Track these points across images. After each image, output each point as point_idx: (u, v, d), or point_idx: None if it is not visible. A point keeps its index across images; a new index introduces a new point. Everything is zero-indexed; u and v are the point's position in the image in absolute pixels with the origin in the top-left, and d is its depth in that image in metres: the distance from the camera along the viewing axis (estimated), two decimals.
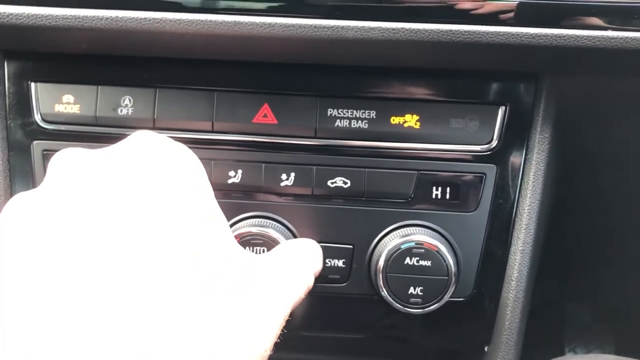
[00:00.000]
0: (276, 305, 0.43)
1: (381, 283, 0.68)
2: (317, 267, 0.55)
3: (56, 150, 0.68)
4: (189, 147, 0.69)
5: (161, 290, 0.35)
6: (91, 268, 0.34)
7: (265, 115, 0.69)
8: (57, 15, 0.60)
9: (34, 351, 0.31)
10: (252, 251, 0.66)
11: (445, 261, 0.67)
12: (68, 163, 0.43)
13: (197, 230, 0.40)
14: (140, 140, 0.46)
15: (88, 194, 0.39)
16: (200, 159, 0.70)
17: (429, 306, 0.68)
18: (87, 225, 0.37)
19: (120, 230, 0.37)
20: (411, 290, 0.67)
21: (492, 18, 0.60)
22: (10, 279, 0.34)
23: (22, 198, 0.40)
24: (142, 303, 0.34)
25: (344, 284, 0.72)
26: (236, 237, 0.66)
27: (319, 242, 0.70)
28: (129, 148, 0.45)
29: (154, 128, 0.69)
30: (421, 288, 0.67)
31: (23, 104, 0.70)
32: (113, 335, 0.32)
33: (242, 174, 0.70)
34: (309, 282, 0.51)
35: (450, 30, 0.60)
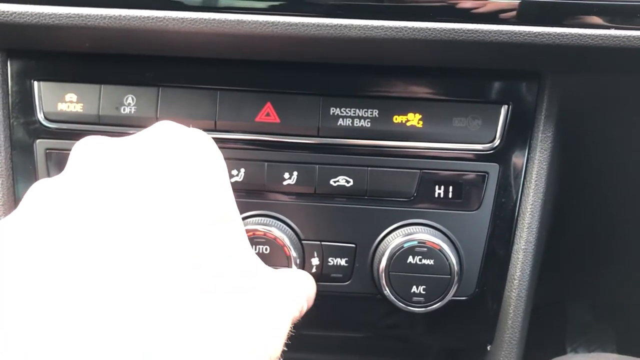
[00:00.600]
0: (280, 308, 0.43)
1: (384, 282, 0.68)
2: (310, 297, 0.54)
3: (59, 149, 0.70)
4: None
5: (161, 292, 0.35)
6: (94, 269, 0.34)
7: (267, 114, 0.69)
8: (60, 14, 0.61)
9: (34, 351, 0.31)
10: (255, 250, 0.66)
11: (447, 260, 0.67)
12: (90, 154, 0.43)
13: (202, 232, 0.40)
14: (164, 133, 0.45)
15: (103, 192, 0.39)
16: None
17: (431, 305, 0.68)
18: (96, 225, 0.36)
19: (127, 232, 0.36)
20: (414, 289, 0.67)
21: (495, 17, 0.60)
22: (14, 275, 0.34)
23: (41, 189, 0.40)
24: (141, 305, 0.34)
25: (347, 283, 0.72)
26: None
27: (321, 240, 0.70)
28: (152, 141, 0.44)
29: None
30: (424, 287, 0.67)
31: (26, 102, 0.70)
32: (109, 338, 0.32)
33: (244, 172, 0.70)
34: (303, 305, 0.50)
35: (453, 29, 0.60)
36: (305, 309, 0.51)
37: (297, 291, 0.49)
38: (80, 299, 0.33)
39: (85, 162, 0.42)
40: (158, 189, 0.40)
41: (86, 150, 0.43)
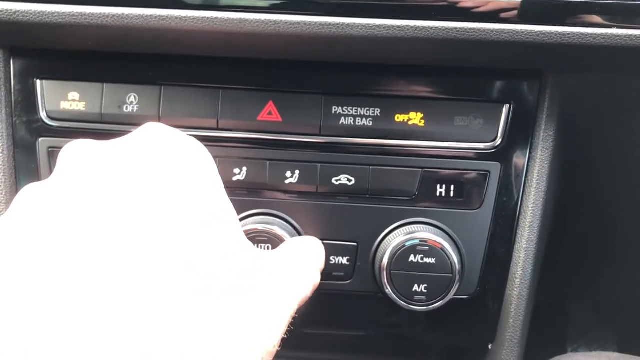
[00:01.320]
0: (277, 308, 0.43)
1: (385, 280, 0.68)
2: (322, 264, 0.55)
3: (61, 148, 0.69)
4: None
5: (152, 293, 0.35)
6: (84, 272, 0.34)
7: (270, 112, 0.69)
8: (63, 13, 0.61)
9: (32, 351, 0.31)
10: (257, 248, 0.66)
11: (449, 259, 0.67)
12: (78, 157, 0.43)
13: (194, 233, 0.39)
14: (151, 134, 0.45)
15: (94, 193, 0.39)
16: None
17: (433, 304, 0.68)
18: (89, 226, 0.36)
19: (117, 234, 0.36)
20: (415, 287, 0.68)
21: (496, 15, 0.60)
22: (10, 276, 0.34)
23: (31, 192, 0.40)
24: (132, 306, 0.34)
25: (348, 282, 0.72)
26: None
27: (323, 239, 0.70)
28: (140, 142, 0.44)
29: None
30: (425, 285, 0.67)
31: (29, 101, 0.70)
32: (102, 340, 0.32)
33: (246, 171, 0.70)
34: (316, 280, 0.50)
35: (455, 28, 0.60)
36: (319, 279, 0.51)
37: (304, 270, 0.49)
38: (72, 301, 0.33)
39: (74, 165, 0.42)
40: (148, 190, 0.39)
41: (75, 153, 0.43)
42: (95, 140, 0.45)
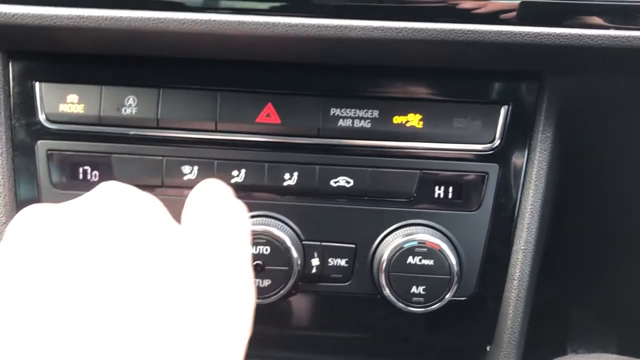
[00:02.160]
0: (240, 301, 0.42)
1: (384, 282, 0.68)
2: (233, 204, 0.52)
3: (60, 150, 0.70)
4: (192, 147, 0.70)
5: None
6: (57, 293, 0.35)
7: (268, 115, 0.69)
8: (62, 15, 0.61)
9: None
10: (255, 250, 0.67)
11: (447, 260, 0.67)
12: (29, 223, 0.43)
13: (138, 280, 0.39)
14: (107, 191, 0.45)
15: (50, 243, 0.40)
16: (204, 158, 0.70)
17: (431, 305, 0.68)
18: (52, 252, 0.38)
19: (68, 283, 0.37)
20: (413, 289, 0.68)
21: (495, 17, 0.60)
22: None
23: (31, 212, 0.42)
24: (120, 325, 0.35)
25: (347, 283, 0.72)
26: None
27: (321, 241, 0.71)
28: (96, 198, 0.44)
29: (157, 128, 0.69)
30: (423, 287, 0.68)
31: (28, 103, 0.70)
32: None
33: (245, 173, 0.70)
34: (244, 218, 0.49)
35: (453, 30, 0.60)
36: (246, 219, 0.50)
37: (237, 236, 0.47)
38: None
39: (25, 232, 0.42)
40: (102, 245, 0.40)
41: (26, 220, 0.43)
42: (49, 204, 0.45)
